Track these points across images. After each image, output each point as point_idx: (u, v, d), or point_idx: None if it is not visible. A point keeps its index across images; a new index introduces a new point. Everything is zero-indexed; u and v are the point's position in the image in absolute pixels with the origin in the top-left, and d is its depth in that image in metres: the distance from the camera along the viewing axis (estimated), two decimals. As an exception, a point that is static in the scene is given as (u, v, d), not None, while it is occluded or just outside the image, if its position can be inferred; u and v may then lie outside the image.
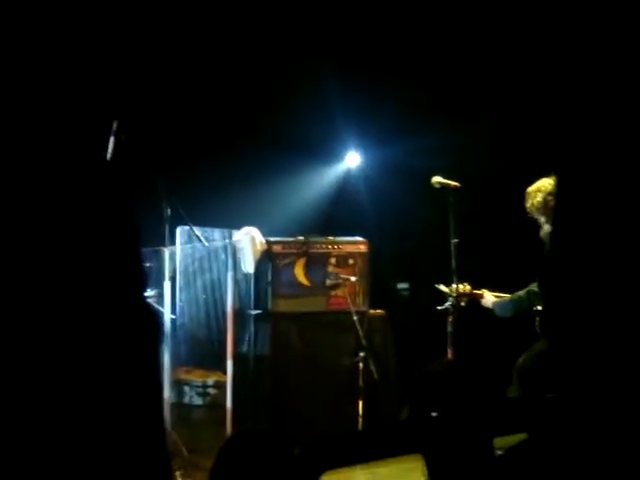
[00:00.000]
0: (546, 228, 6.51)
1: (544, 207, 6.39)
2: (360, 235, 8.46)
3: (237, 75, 8.85)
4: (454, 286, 6.83)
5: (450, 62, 8.81)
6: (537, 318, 6.53)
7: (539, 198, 6.40)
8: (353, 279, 8.07)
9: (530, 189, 6.48)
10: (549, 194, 6.35)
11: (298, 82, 8.93)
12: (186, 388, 8.07)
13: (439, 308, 6.96)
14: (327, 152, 9.64)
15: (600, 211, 1.57)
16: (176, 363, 7.56)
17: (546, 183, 6.42)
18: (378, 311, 8.36)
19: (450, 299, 6.75)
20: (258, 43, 8.79)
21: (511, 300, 6.68)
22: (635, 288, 1.57)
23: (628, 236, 1.55)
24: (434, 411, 2.49)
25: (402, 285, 9.56)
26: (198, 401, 8.16)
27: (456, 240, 6.77)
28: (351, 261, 8.28)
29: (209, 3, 8.45)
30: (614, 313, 1.58)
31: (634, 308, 1.57)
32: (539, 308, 6.46)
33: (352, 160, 9.90)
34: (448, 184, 6.87)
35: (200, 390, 8.21)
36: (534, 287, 6.61)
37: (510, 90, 8.63)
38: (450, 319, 6.78)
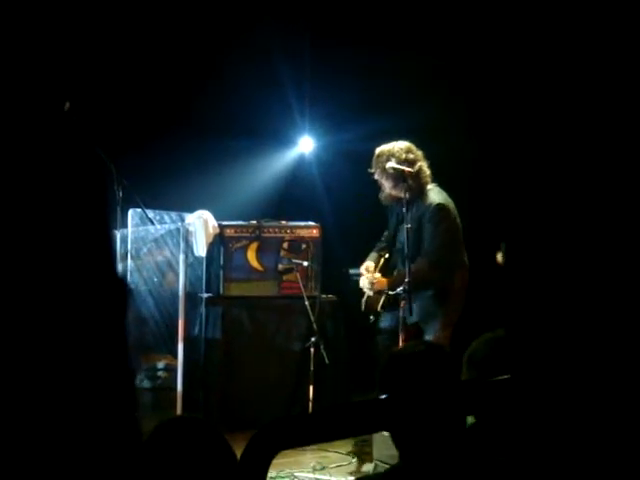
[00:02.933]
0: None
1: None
2: (313, 220, 8.46)
3: (190, 56, 8.80)
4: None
5: (406, 45, 8.82)
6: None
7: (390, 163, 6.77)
8: (305, 264, 8.07)
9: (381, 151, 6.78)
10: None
11: (252, 65, 8.90)
12: (136, 371, 8.03)
13: (391, 293, 6.99)
14: (281, 136, 9.62)
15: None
16: (126, 346, 7.51)
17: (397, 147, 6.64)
18: (330, 296, 8.38)
19: (404, 285, 6.76)
20: (210, 23, 8.75)
21: None
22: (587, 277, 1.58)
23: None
24: (410, 391, 2.50)
25: (354, 271, 9.57)
26: (148, 384, 8.12)
27: (409, 225, 6.78)
28: (304, 246, 8.28)
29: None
30: (566, 303, 1.60)
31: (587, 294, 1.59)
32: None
33: (306, 145, 9.89)
34: (402, 170, 6.88)
35: (150, 373, 8.17)
36: None
37: (467, 72, 8.66)
38: (402, 304, 6.80)
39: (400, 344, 6.69)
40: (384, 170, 6.87)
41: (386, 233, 7.30)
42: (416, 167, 6.85)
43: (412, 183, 6.82)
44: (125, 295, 1.06)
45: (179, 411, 7.24)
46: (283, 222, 8.36)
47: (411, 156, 6.87)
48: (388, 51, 8.86)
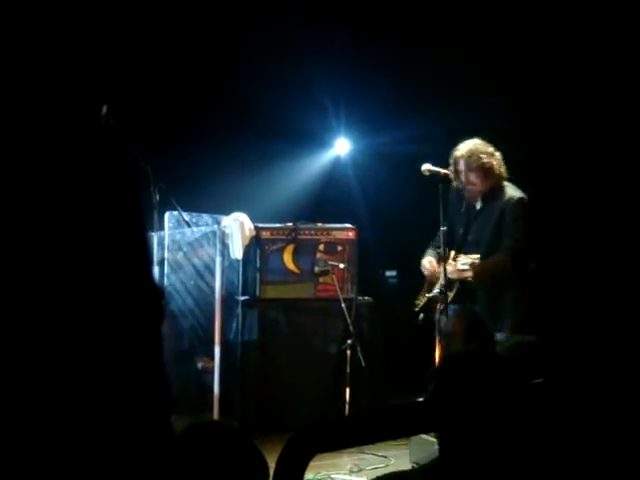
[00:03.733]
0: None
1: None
2: (349, 222, 8.45)
3: (227, 59, 8.82)
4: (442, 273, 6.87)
5: (441, 48, 8.80)
6: None
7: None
8: (342, 266, 8.06)
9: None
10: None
11: (289, 67, 8.92)
12: (173, 374, 8.05)
13: (428, 295, 6.98)
14: (317, 139, 9.62)
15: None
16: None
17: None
18: (366, 298, 8.36)
19: (439, 287, 6.74)
20: (247, 30, 8.77)
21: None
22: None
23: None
24: (461, 394, 2.48)
25: (390, 272, 9.57)
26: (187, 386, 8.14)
27: (445, 228, 6.77)
28: (340, 248, 8.27)
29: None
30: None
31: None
32: None
33: (342, 147, 9.88)
34: (438, 172, 6.87)
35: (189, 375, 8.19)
36: None
37: (502, 78, 8.63)
38: (439, 306, 6.79)
39: (437, 341, 6.70)
40: (478, 167, 6.87)
41: (444, 229, 7.12)
42: (494, 163, 6.90)
43: (494, 178, 6.89)
44: (161, 301, 1.06)
45: (216, 414, 7.26)
46: (319, 224, 8.36)
47: (490, 150, 6.93)
48: (425, 53, 8.84)
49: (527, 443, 2.61)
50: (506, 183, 6.99)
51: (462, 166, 6.93)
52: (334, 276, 7.94)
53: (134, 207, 1.04)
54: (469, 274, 6.73)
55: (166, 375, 1.02)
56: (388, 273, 9.53)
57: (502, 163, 6.97)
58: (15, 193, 0.97)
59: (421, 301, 7.21)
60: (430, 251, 7.27)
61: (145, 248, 1.04)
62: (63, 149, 1.02)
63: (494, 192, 6.93)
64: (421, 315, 7.19)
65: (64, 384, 0.95)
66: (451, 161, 7.00)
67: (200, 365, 8.12)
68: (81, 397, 0.96)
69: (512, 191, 6.96)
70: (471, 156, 6.90)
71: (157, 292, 1.05)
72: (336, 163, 9.94)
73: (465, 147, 6.94)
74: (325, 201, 9.49)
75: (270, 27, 8.88)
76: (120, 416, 0.99)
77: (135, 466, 1.00)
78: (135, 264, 1.02)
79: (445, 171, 6.88)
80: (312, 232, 8.27)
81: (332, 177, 9.84)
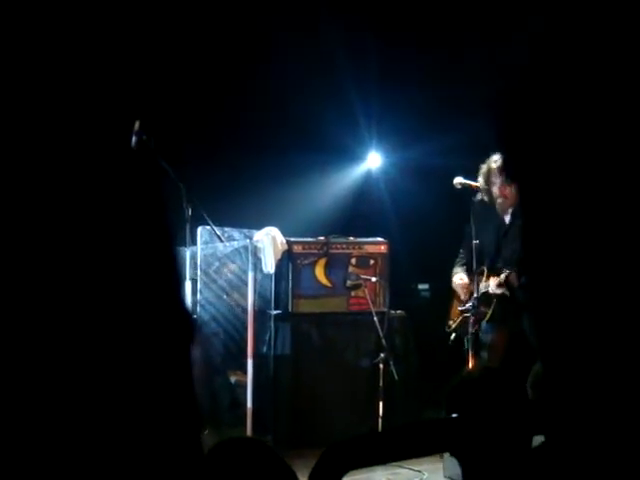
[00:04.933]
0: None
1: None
2: (381, 236, 8.44)
3: (258, 74, 8.85)
4: (483, 284, 6.85)
5: (473, 61, 8.78)
6: None
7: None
8: (374, 279, 8.05)
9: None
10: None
11: (321, 81, 8.93)
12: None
13: (460, 309, 6.97)
14: (348, 152, 9.63)
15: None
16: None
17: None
18: (398, 312, 8.35)
19: (472, 301, 6.73)
20: (278, 44, 8.79)
21: None
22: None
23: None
24: (471, 415, 2.47)
25: (422, 286, 9.54)
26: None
27: (477, 242, 6.75)
28: (372, 261, 8.26)
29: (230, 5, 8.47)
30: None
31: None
32: None
33: (373, 160, 9.88)
34: (470, 185, 6.86)
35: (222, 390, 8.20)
36: None
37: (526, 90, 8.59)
38: (472, 320, 6.77)
39: (470, 354, 6.68)
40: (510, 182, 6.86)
41: (476, 242, 7.05)
42: None
43: None
44: (191, 323, 1.07)
45: (249, 428, 7.26)
46: (351, 238, 8.36)
47: None
48: (457, 65, 8.83)
49: (560, 461, 2.59)
50: None
51: (496, 178, 6.90)
52: (366, 290, 7.93)
53: (163, 226, 1.04)
54: (516, 284, 6.71)
55: (196, 398, 1.03)
56: (420, 286, 9.50)
57: None
58: (41, 210, 0.98)
59: (455, 321, 7.20)
60: (459, 268, 7.26)
61: (175, 269, 1.05)
62: (92, 165, 1.03)
63: None
64: (453, 335, 7.20)
65: (93, 407, 0.96)
66: (482, 172, 6.97)
67: (233, 379, 8.13)
68: (110, 421, 0.96)
69: None
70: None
71: (187, 314, 1.05)
72: (368, 177, 9.93)
73: (501, 159, 6.91)
74: (357, 215, 9.49)
75: (302, 41, 8.90)
76: (150, 439, 0.99)
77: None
78: (164, 285, 1.03)
79: (477, 184, 6.87)
80: (344, 246, 8.27)
81: (364, 191, 9.83)
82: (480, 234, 6.97)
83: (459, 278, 7.19)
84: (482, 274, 6.93)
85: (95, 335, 0.97)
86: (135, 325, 0.99)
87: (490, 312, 6.90)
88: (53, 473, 0.96)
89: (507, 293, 6.79)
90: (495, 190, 6.90)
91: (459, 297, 7.24)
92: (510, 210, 6.91)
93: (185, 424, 1.04)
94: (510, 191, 6.86)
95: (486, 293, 6.92)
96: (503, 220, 6.96)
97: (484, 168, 6.95)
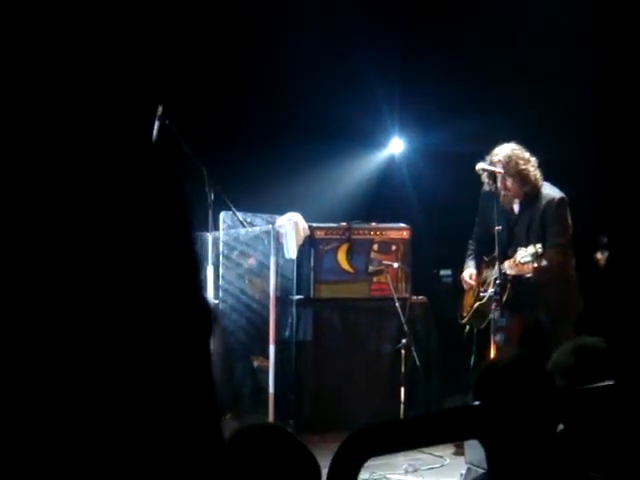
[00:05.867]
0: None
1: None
2: (403, 221, 8.44)
3: (281, 60, 8.84)
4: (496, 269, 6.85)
5: (495, 48, 8.75)
6: None
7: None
8: (396, 265, 8.05)
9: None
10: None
11: (343, 66, 8.92)
12: (229, 373, 8.09)
13: (482, 294, 6.97)
14: (371, 138, 9.61)
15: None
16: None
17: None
18: (420, 298, 8.34)
19: (494, 287, 6.72)
20: (299, 29, 8.78)
21: None
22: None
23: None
24: (500, 401, 2.46)
25: (445, 272, 9.52)
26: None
27: (499, 227, 6.74)
28: (394, 247, 8.25)
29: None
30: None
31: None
32: None
33: (396, 146, 9.86)
34: (493, 171, 6.85)
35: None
36: None
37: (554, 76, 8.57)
38: (494, 306, 6.76)
39: (492, 341, 6.69)
40: (515, 174, 6.88)
41: (498, 228, 7.04)
42: (531, 169, 6.90)
43: (530, 184, 6.89)
44: (209, 315, 1.06)
45: (271, 413, 7.29)
46: (373, 224, 8.35)
47: (526, 155, 6.93)
48: (479, 50, 8.80)
49: (583, 449, 2.60)
50: (542, 183, 6.99)
51: (501, 169, 6.93)
52: (388, 275, 7.93)
53: (183, 219, 1.04)
54: (531, 267, 6.67)
55: (215, 391, 1.02)
56: (442, 272, 9.48)
57: (537, 168, 6.96)
58: (62, 198, 0.98)
59: (467, 313, 7.21)
60: (470, 262, 7.29)
61: (192, 257, 1.04)
62: (110, 150, 1.03)
63: (531, 196, 6.93)
64: (467, 328, 7.21)
65: (109, 401, 0.96)
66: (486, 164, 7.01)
67: (255, 364, 8.15)
68: (129, 413, 0.96)
69: (550, 191, 6.96)
70: (509, 162, 6.89)
71: (206, 306, 1.05)
72: (390, 162, 9.91)
73: (503, 152, 6.93)
74: (379, 200, 9.48)
75: (322, 25, 8.89)
76: (169, 432, 0.99)
77: (185, 474, 1.00)
78: (182, 277, 1.02)
79: (500, 170, 6.86)
80: (366, 232, 8.27)
81: (386, 176, 9.81)
82: (491, 223, 6.98)
83: (468, 274, 7.25)
84: (494, 260, 6.95)
85: (106, 328, 0.96)
86: (150, 316, 0.99)
87: (505, 297, 6.91)
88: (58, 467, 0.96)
89: (525, 275, 6.77)
90: (498, 183, 6.94)
91: (472, 288, 7.27)
92: (517, 200, 6.93)
93: (204, 414, 1.04)
94: (512, 184, 6.88)
95: (501, 276, 6.93)
96: (512, 210, 6.99)
97: (487, 160, 6.98)
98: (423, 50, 8.97)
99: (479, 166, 6.91)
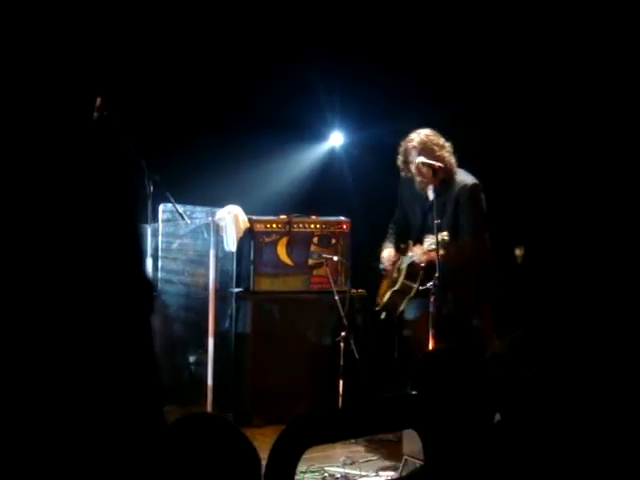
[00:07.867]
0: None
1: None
2: (344, 214, 8.47)
3: (221, 53, 8.81)
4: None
5: (435, 42, 8.81)
6: None
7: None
8: (335, 259, 8.09)
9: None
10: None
11: (282, 61, 8.91)
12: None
13: (421, 288, 7.01)
14: (311, 131, 9.61)
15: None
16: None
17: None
18: (360, 291, 8.38)
19: (434, 280, 6.76)
20: (240, 21, 8.77)
21: None
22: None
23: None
24: (434, 391, 2.48)
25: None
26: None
27: (438, 221, 6.78)
28: (334, 241, 8.29)
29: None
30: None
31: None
32: None
33: (336, 139, 9.87)
34: (432, 165, 6.90)
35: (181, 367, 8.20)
36: None
37: (494, 74, 8.66)
38: (432, 299, 6.80)
39: (431, 334, 6.71)
40: (420, 164, 6.93)
41: (397, 216, 7.33)
42: (446, 155, 6.94)
43: (444, 169, 6.91)
44: (151, 293, 1.07)
45: (210, 405, 7.28)
46: (313, 217, 8.38)
47: (441, 141, 6.97)
48: (419, 45, 8.86)
49: (516, 441, 2.63)
50: (456, 169, 7.06)
51: (414, 157, 6.99)
52: (328, 269, 7.97)
53: (126, 200, 1.05)
54: (440, 253, 6.65)
55: (157, 366, 1.03)
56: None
57: (452, 154, 7.03)
58: (6, 187, 0.98)
59: (383, 299, 7.25)
60: (388, 243, 7.36)
61: (136, 240, 1.05)
62: (55, 142, 1.03)
63: (445, 182, 6.99)
64: (383, 314, 7.25)
65: (56, 376, 0.96)
66: (401, 150, 7.07)
67: (194, 357, 8.14)
68: (72, 389, 0.97)
69: (464, 177, 7.03)
70: (424, 148, 6.95)
71: (148, 284, 1.06)
72: (331, 156, 9.92)
73: (417, 138, 6.99)
74: (319, 194, 9.49)
75: (264, 19, 8.87)
76: (112, 407, 1.00)
77: (126, 456, 1.01)
78: (126, 256, 1.03)
79: (439, 164, 6.91)
80: (306, 225, 8.29)
81: (326, 170, 9.82)
82: (405, 210, 7.11)
83: (387, 252, 7.31)
84: (408, 246, 7.05)
85: (56, 305, 0.97)
86: (96, 295, 1.00)
87: (415, 288, 6.97)
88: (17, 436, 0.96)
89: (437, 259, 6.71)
90: (412, 168, 7.00)
91: (389, 274, 7.30)
92: (431, 187, 6.96)
93: (147, 394, 1.05)
94: (426, 170, 6.94)
95: (412, 264, 6.99)
96: (427, 195, 7.05)
97: (402, 146, 7.05)
98: (364, 44, 8.99)
99: (419, 160, 6.96)
